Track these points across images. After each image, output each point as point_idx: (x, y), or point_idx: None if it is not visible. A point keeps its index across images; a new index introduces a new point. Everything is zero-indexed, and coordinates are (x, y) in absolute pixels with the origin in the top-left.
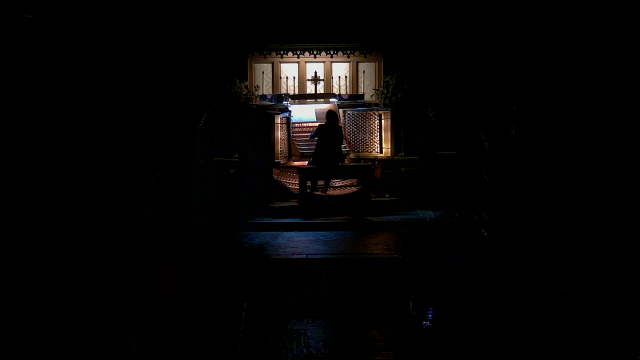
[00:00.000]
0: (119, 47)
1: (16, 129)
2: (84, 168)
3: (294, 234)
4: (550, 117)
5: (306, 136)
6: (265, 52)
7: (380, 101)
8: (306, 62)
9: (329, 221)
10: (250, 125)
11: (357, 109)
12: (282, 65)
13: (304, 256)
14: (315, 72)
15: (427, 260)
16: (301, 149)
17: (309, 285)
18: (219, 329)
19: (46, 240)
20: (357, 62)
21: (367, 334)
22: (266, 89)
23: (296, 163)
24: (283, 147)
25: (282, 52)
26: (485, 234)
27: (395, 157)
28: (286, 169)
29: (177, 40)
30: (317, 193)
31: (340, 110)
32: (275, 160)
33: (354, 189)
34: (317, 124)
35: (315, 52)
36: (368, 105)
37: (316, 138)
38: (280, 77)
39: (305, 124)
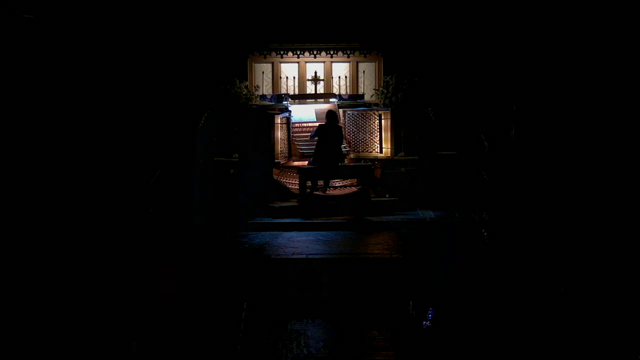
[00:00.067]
0: (119, 47)
1: (16, 129)
2: (84, 168)
3: (294, 234)
4: (550, 117)
5: (306, 136)
6: (265, 52)
7: (380, 101)
8: (306, 62)
9: (329, 221)
10: (250, 125)
11: (357, 109)
12: (282, 65)
13: (304, 256)
14: (315, 72)
15: (427, 260)
16: (301, 149)
17: (309, 285)
18: (219, 329)
19: (46, 240)
20: (357, 62)
21: (367, 334)
22: (266, 89)
23: (296, 163)
24: (283, 147)
25: (282, 52)
26: (485, 233)
27: (395, 157)
28: (286, 169)
29: (177, 41)
30: (317, 193)
31: (340, 110)
32: (275, 160)
33: (354, 189)
34: (317, 124)
35: (315, 52)
36: (368, 105)
37: (316, 138)
38: (280, 77)
39: (305, 124)
